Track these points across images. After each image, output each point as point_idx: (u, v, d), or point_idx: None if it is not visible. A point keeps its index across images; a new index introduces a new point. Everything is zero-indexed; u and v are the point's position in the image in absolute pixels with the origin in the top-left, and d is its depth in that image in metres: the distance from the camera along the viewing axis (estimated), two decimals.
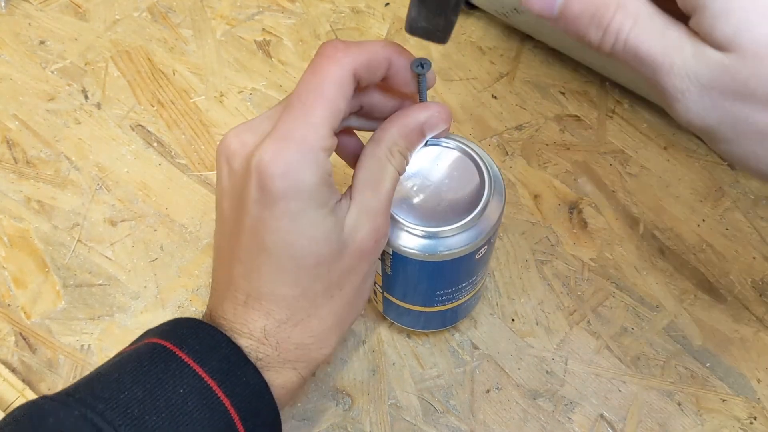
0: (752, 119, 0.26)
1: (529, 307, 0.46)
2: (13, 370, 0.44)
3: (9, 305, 0.47)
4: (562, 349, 0.45)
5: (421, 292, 0.40)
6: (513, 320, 0.46)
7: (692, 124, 0.27)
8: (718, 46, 0.25)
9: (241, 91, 0.55)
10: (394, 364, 0.45)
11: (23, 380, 0.44)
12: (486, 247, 0.37)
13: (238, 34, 0.58)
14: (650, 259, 0.48)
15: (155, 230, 0.49)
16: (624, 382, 0.44)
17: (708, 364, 0.45)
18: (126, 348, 0.34)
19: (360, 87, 0.33)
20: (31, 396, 0.43)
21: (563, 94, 0.55)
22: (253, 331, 0.33)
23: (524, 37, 0.57)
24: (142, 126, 0.53)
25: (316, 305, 0.34)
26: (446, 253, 0.35)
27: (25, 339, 0.46)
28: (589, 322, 0.46)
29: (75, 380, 0.44)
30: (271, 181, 0.30)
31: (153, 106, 0.54)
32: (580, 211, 0.50)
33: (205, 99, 0.55)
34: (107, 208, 0.50)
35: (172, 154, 0.52)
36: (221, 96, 0.55)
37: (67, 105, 0.54)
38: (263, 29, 0.58)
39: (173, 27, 0.58)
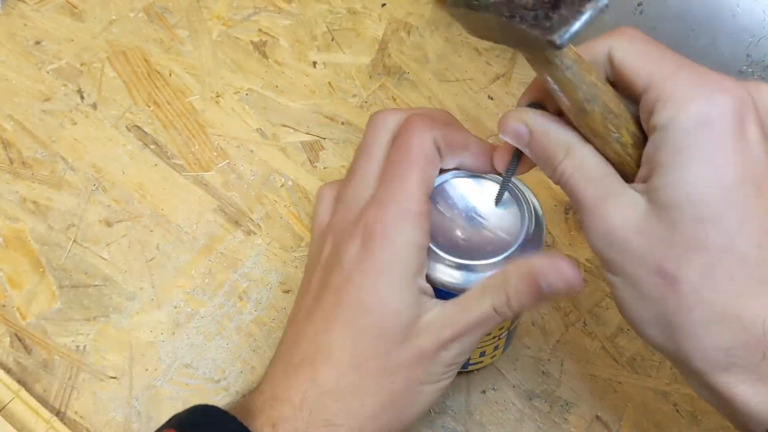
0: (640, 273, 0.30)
1: None
2: (8, 371, 0.44)
3: (4, 306, 0.47)
4: (558, 350, 0.45)
5: None
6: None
7: (598, 255, 0.32)
8: (655, 204, 0.29)
9: (237, 92, 0.55)
10: None
11: (18, 381, 0.44)
12: None
13: (235, 35, 0.58)
14: None
15: (151, 231, 0.49)
16: (620, 382, 0.44)
17: None
18: None
19: (441, 161, 0.35)
20: (27, 397, 0.43)
21: None
22: (293, 398, 0.32)
23: None
24: (138, 126, 0.53)
25: (363, 385, 0.33)
26: None
27: (20, 340, 0.46)
28: (584, 322, 0.46)
29: (70, 381, 0.44)
30: (372, 239, 0.32)
31: (149, 107, 0.54)
32: (576, 212, 0.50)
33: (201, 99, 0.55)
34: (103, 209, 0.50)
35: (168, 154, 0.52)
36: (217, 96, 0.55)
37: (63, 105, 0.54)
38: (259, 30, 0.58)
39: (169, 27, 0.58)
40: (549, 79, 0.31)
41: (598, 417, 0.43)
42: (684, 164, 0.28)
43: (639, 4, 0.46)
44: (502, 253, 0.35)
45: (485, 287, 0.33)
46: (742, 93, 0.29)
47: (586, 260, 0.48)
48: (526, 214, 0.36)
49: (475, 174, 0.37)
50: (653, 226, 0.29)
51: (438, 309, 0.33)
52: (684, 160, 0.28)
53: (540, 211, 0.36)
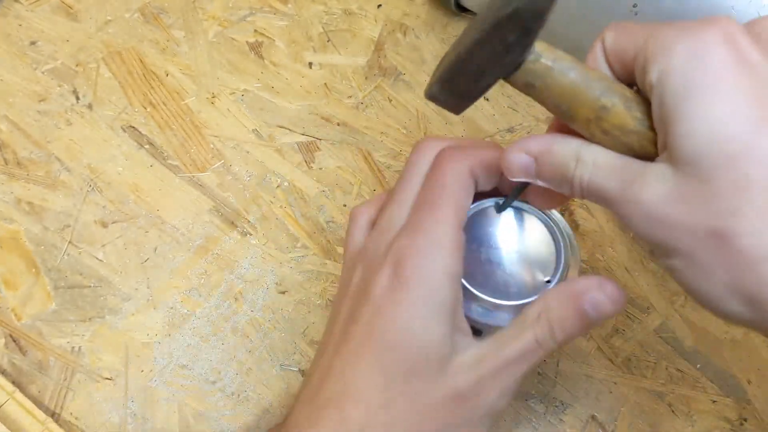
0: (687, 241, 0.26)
1: None
2: (3, 373, 0.44)
3: None
4: (554, 351, 0.45)
5: None
6: None
7: (647, 241, 0.29)
8: (679, 163, 0.26)
9: (233, 93, 0.55)
10: None
11: (13, 382, 0.44)
12: None
13: (230, 36, 0.57)
14: (641, 261, 0.48)
15: (147, 232, 0.49)
16: (615, 383, 0.44)
17: (699, 366, 0.45)
18: None
19: (478, 188, 0.34)
20: (22, 398, 0.43)
21: None
22: None
23: None
24: (133, 127, 0.53)
25: (393, 426, 0.31)
26: None
27: (15, 341, 0.46)
28: None
29: (65, 382, 0.44)
30: (403, 267, 0.31)
31: (145, 108, 0.54)
32: (571, 213, 0.50)
33: (197, 100, 0.54)
34: (98, 210, 0.50)
35: (164, 155, 0.52)
36: (213, 97, 0.55)
37: (58, 106, 0.54)
38: (255, 30, 0.58)
39: (165, 28, 0.58)
40: (555, 99, 0.29)
41: (593, 417, 0.44)
42: (690, 109, 0.25)
43: (634, 5, 0.46)
44: (537, 292, 0.33)
45: (525, 318, 0.31)
46: (729, 22, 0.26)
47: (582, 261, 0.48)
48: (562, 249, 0.34)
49: (506, 204, 0.35)
50: (687, 188, 0.26)
51: (474, 348, 0.31)
52: (688, 105, 0.25)
53: (576, 244, 0.35)
